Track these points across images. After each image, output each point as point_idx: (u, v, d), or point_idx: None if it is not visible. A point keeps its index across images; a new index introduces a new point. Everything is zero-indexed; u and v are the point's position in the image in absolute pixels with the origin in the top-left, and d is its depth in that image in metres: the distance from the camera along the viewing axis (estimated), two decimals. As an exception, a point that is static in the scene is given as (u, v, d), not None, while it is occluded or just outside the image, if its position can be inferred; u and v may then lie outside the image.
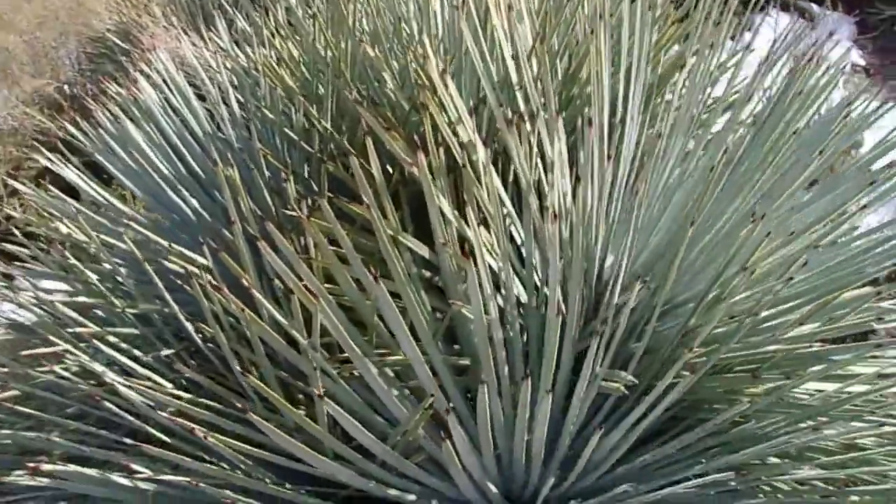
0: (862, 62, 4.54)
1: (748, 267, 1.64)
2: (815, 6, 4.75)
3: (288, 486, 1.62)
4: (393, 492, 1.62)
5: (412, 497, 1.64)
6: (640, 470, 1.67)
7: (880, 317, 1.83)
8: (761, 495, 1.73)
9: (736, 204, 1.79)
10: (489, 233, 1.63)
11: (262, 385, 1.49)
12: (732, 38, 2.90)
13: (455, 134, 1.76)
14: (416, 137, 1.84)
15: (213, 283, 1.55)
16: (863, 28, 4.76)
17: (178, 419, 1.48)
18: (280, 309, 1.65)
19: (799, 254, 1.77)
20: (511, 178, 1.90)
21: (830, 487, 1.79)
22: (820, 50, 2.16)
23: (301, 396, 1.86)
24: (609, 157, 1.66)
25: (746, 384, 1.75)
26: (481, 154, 1.64)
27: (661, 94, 2.28)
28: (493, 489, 1.65)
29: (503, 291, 1.64)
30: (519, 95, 1.83)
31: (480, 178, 1.63)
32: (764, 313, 1.75)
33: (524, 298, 1.77)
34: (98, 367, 1.68)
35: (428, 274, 1.94)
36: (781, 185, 1.79)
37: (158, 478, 1.55)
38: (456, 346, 1.87)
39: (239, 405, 1.67)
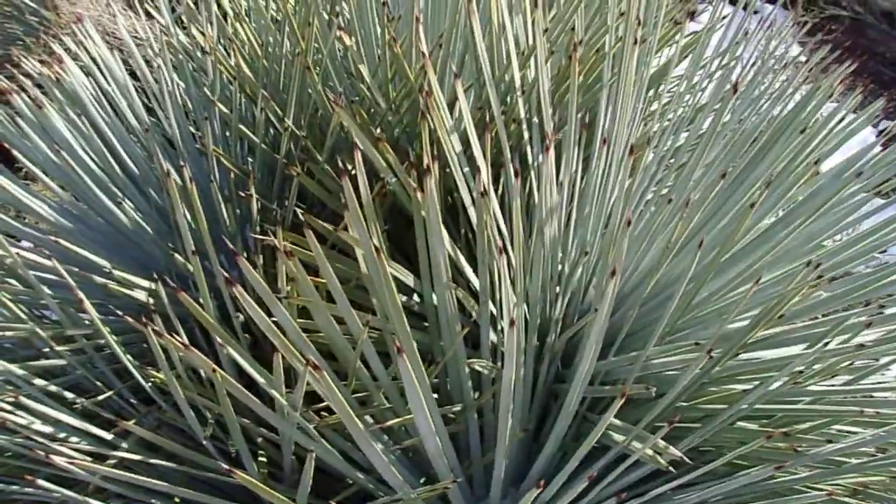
0: (802, 58, 4.50)
1: (782, 313, 1.46)
2: (758, 1, 4.66)
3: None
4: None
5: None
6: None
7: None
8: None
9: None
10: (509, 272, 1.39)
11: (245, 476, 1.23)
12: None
13: (451, 144, 1.52)
14: (407, 150, 1.59)
15: (180, 342, 1.27)
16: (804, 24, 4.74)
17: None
18: (249, 357, 1.39)
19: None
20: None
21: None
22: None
23: (260, 440, 1.62)
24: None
25: (774, 440, 1.57)
26: (493, 200, 1.40)
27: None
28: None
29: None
30: (521, 102, 1.60)
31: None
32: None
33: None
34: (21, 420, 1.39)
35: (403, 299, 1.71)
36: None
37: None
38: (435, 379, 1.66)
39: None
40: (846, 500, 1.66)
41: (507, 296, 1.24)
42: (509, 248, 1.44)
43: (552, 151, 1.35)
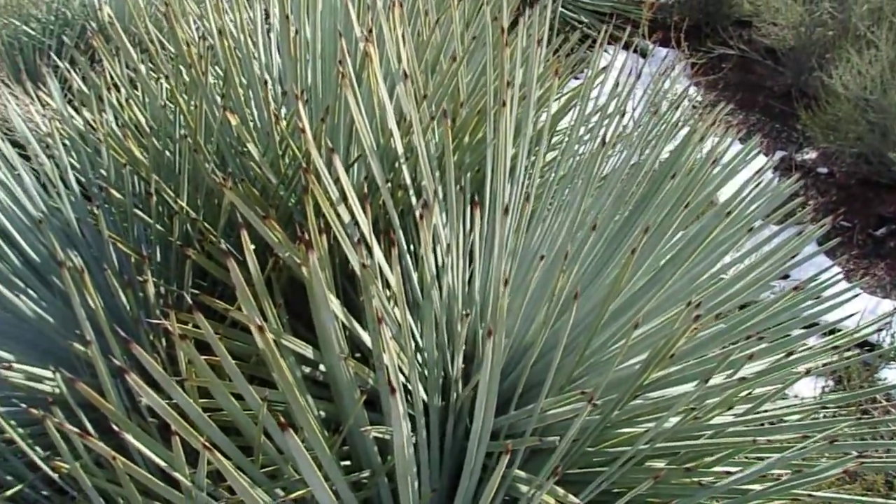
0: (699, 98, 4.68)
1: (672, 353, 1.51)
2: (650, 44, 4.82)
3: None
4: None
5: None
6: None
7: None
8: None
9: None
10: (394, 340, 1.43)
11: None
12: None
13: (338, 215, 1.56)
14: (294, 223, 1.62)
15: (77, 431, 1.29)
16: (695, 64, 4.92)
17: None
18: (152, 441, 1.40)
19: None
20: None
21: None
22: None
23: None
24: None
25: (679, 476, 1.61)
26: (378, 254, 1.44)
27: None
28: None
29: (410, 398, 1.45)
30: (406, 169, 1.64)
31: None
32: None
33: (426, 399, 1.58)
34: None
35: (307, 369, 1.73)
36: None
37: None
38: (345, 448, 1.67)
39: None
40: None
41: (391, 362, 1.27)
42: (394, 314, 1.48)
43: (427, 217, 1.39)
